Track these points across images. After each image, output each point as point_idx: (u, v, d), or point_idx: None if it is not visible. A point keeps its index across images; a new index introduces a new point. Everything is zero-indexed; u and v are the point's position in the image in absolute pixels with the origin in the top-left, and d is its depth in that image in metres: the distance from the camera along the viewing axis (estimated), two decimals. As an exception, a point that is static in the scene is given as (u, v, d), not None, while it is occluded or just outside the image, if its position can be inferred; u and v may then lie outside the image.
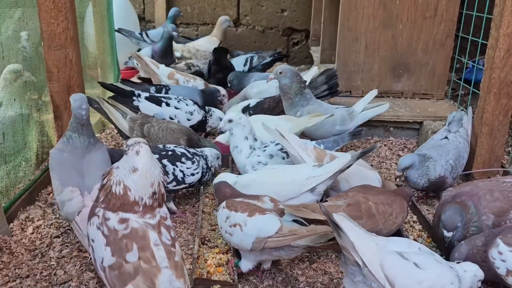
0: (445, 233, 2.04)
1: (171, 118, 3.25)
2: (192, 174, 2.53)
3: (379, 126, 3.54)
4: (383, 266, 1.56)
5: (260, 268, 2.05)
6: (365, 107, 3.21)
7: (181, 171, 2.48)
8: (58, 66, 2.79)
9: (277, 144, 2.54)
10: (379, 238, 1.71)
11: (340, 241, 1.61)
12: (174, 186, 2.50)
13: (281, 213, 1.94)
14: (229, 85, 4.18)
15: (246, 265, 1.99)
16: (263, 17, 6.41)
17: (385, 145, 3.49)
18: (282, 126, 2.77)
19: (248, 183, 2.27)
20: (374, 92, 3.30)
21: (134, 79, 4.27)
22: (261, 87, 3.69)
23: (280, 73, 3.09)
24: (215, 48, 4.49)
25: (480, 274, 1.76)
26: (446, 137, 2.75)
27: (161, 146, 2.59)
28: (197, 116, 3.37)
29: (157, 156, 2.43)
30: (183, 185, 2.53)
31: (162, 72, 4.02)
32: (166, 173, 2.43)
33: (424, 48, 3.68)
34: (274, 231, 1.83)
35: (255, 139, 2.57)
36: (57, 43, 2.75)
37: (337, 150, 2.74)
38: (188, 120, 3.32)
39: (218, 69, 4.37)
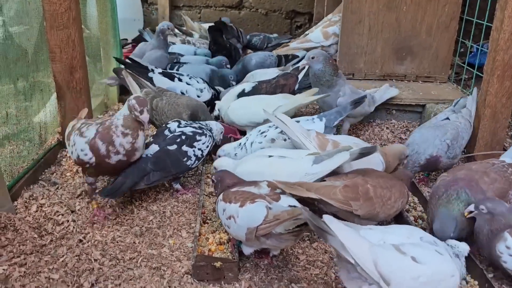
0: None
1: (182, 93, 3.31)
2: (207, 147, 2.57)
3: (381, 109, 3.53)
4: (377, 264, 1.53)
5: (270, 254, 2.06)
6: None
7: (199, 149, 2.51)
8: (61, 46, 2.78)
9: (276, 128, 2.54)
10: (375, 229, 1.70)
11: (328, 242, 1.58)
12: (196, 164, 2.53)
13: (276, 198, 1.90)
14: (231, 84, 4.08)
15: (247, 250, 1.99)
16: (266, 0, 6.36)
17: (387, 128, 3.49)
18: (278, 103, 2.79)
19: (247, 174, 2.21)
20: (395, 91, 3.46)
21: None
22: (263, 77, 3.64)
23: (313, 58, 3.04)
24: (209, 27, 4.46)
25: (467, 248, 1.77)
26: (447, 118, 2.76)
27: (167, 132, 2.54)
28: (207, 94, 3.44)
29: (175, 146, 2.45)
30: (202, 159, 2.58)
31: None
32: (189, 157, 2.47)
33: (428, 31, 3.65)
34: (261, 219, 1.79)
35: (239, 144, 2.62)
36: (60, 23, 2.73)
37: (340, 121, 2.73)
38: (198, 96, 3.39)
39: (218, 49, 4.35)
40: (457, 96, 3.31)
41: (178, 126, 2.57)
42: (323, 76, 3.02)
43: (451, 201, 2.02)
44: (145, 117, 2.15)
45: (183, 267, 2.03)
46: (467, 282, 1.94)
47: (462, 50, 4.66)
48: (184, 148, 2.44)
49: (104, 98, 3.86)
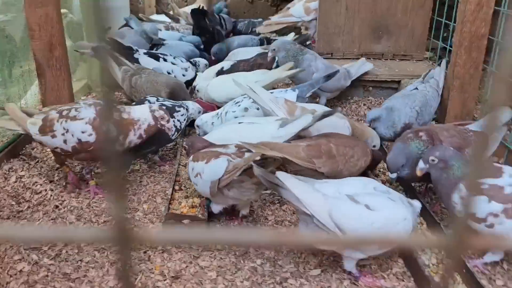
0: (390, 174, 2.10)
1: (169, 73, 3.38)
2: (185, 120, 2.64)
3: (358, 86, 3.60)
4: (331, 214, 1.60)
5: (240, 215, 2.14)
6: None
7: (178, 120, 2.57)
8: (40, 24, 2.85)
9: (250, 98, 2.61)
10: (331, 182, 1.77)
11: (283, 196, 1.65)
12: (175, 136, 2.59)
13: (240, 156, 1.97)
14: (213, 58, 4.14)
15: (216, 207, 2.07)
16: (252, -13, 6.43)
17: (364, 104, 3.56)
18: (256, 79, 2.87)
19: (217, 140, 2.25)
20: (369, 65, 3.52)
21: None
22: (245, 56, 3.71)
23: (274, 50, 3.16)
24: (192, 10, 4.51)
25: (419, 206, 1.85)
26: (416, 88, 2.83)
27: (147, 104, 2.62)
28: (191, 73, 3.52)
29: None
30: (180, 132, 2.64)
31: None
32: (169, 129, 2.51)
33: (403, 10, 3.73)
34: (223, 171, 1.89)
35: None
36: (38, 1, 2.80)
37: (312, 94, 2.81)
38: (183, 76, 3.46)
39: (201, 33, 4.41)
40: (432, 72, 3.39)
41: (157, 100, 2.65)
42: (289, 59, 3.14)
43: (409, 139, 2.11)
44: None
45: (154, 228, 2.10)
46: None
47: (445, 34, 4.72)
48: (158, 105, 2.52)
49: (87, 81, 3.92)
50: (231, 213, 2.18)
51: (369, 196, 1.68)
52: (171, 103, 2.60)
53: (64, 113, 2.21)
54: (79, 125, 2.17)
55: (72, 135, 2.17)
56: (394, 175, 2.10)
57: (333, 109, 2.22)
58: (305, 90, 2.72)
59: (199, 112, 2.81)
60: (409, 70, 3.59)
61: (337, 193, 1.69)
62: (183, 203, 2.26)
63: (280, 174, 1.63)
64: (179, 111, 2.54)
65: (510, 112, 2.36)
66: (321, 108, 2.47)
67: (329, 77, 2.79)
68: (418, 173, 1.92)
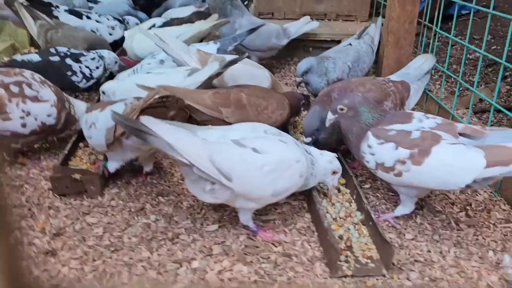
0: (304, 139, 1.95)
1: (93, 31, 3.16)
2: (97, 67, 2.47)
3: (299, 47, 3.45)
4: (213, 160, 1.42)
5: (143, 171, 1.98)
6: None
7: (86, 66, 2.41)
8: None
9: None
10: (218, 128, 1.61)
11: (153, 144, 1.44)
12: (85, 84, 2.45)
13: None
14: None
15: (112, 165, 1.88)
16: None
17: (304, 65, 3.41)
18: (179, 32, 2.69)
19: (124, 92, 2.08)
20: (315, 24, 3.33)
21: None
22: (180, 14, 3.52)
23: (203, 1, 2.98)
24: None
25: (336, 165, 1.72)
26: (350, 44, 2.70)
27: (53, 50, 2.46)
28: (119, 32, 3.30)
29: (57, 58, 2.39)
30: (92, 81, 2.47)
31: None
32: (74, 72, 2.39)
33: (347, -33, 3.57)
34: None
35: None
36: None
37: (235, 47, 2.64)
38: (110, 34, 3.24)
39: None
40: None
41: (68, 50, 2.47)
42: (217, 6, 2.98)
43: (324, 102, 1.96)
44: None
45: (48, 185, 1.92)
46: (339, 191, 1.90)
47: None
48: (68, 61, 2.35)
49: (14, 43, 3.67)
50: (135, 170, 2.02)
51: (257, 140, 1.53)
52: (79, 51, 2.42)
53: (16, 90, 1.93)
54: (43, 108, 1.96)
55: (36, 118, 1.95)
56: (308, 139, 1.95)
57: (240, 56, 2.05)
58: (227, 44, 2.55)
59: (116, 63, 2.63)
60: (350, 30, 3.44)
61: (221, 139, 1.53)
62: (85, 160, 2.08)
63: (146, 119, 1.43)
64: (87, 55, 2.36)
65: (432, 59, 2.24)
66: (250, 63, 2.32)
67: (252, 30, 2.62)
68: (327, 123, 1.78)
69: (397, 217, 1.75)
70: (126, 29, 3.32)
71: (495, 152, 1.47)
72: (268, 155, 1.49)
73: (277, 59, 3.41)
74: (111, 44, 3.16)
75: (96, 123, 1.79)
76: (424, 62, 2.27)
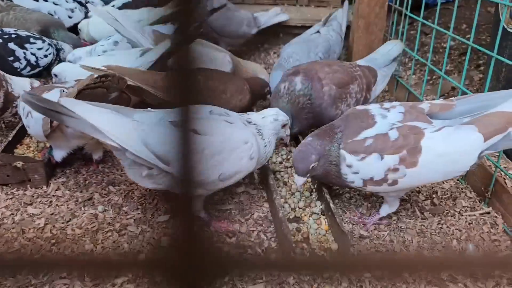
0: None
1: (51, 14, 2.99)
2: (45, 56, 2.31)
3: (269, 33, 3.34)
4: (147, 143, 1.31)
5: (93, 160, 1.86)
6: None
7: (32, 54, 2.26)
8: None
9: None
10: (158, 111, 1.47)
11: (75, 128, 1.32)
12: (29, 71, 2.30)
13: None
14: None
15: (58, 153, 1.75)
16: None
17: (274, 52, 3.31)
18: (142, 16, 2.56)
19: (77, 76, 1.96)
20: (284, 16, 3.25)
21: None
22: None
23: None
24: None
25: (282, 117, 1.61)
26: (318, 31, 2.60)
27: None
28: (79, 14, 3.15)
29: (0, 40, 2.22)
30: (38, 69, 2.33)
31: None
32: (17, 58, 2.23)
33: (319, -49, 3.47)
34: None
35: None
36: None
37: (196, 28, 2.52)
38: (70, 17, 3.09)
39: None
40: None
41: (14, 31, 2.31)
42: None
43: (283, 94, 1.85)
44: None
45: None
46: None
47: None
48: (11, 45, 2.19)
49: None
50: (86, 159, 1.90)
51: (198, 121, 1.41)
52: (29, 34, 2.26)
53: None
54: None
55: None
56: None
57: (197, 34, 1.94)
58: (188, 25, 2.42)
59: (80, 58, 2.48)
60: (322, 15, 3.31)
61: (161, 121, 1.41)
62: (32, 147, 1.95)
63: (66, 100, 1.29)
64: (35, 43, 2.21)
65: (400, 45, 2.15)
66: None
67: (214, 10, 2.50)
68: (299, 188, 1.70)
69: (381, 218, 1.62)
70: (87, 11, 3.17)
71: (486, 122, 1.35)
72: (210, 137, 1.39)
73: (247, 46, 3.30)
74: (71, 28, 3.02)
75: (32, 112, 1.64)
76: (392, 47, 2.17)
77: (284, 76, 1.93)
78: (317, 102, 1.88)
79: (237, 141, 1.43)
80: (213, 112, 1.48)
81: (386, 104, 1.50)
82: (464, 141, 1.35)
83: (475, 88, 2.94)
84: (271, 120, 1.58)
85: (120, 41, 2.27)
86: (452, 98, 1.49)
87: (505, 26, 1.83)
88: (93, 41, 2.78)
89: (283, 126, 1.63)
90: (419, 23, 2.27)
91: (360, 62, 2.13)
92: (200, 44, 2.11)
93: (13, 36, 2.24)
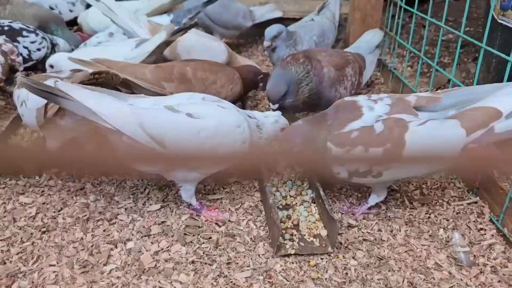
0: (271, 106, 1.83)
1: (52, 8, 2.99)
2: (38, 49, 2.29)
3: (263, 26, 3.33)
4: (143, 126, 1.33)
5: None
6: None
7: (25, 47, 2.24)
8: None
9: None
10: (152, 98, 1.51)
11: (73, 110, 1.32)
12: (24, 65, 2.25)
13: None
14: None
15: (52, 143, 1.77)
16: None
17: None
18: (138, 6, 2.58)
19: (70, 66, 1.99)
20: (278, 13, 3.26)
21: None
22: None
23: None
24: None
25: (282, 122, 1.65)
26: (312, 19, 2.62)
27: None
28: (81, 8, 3.15)
29: None
30: (31, 62, 2.29)
31: None
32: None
33: None
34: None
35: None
36: None
37: (191, 19, 2.51)
38: (71, 11, 3.09)
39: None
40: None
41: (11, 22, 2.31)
42: None
43: (288, 65, 1.85)
44: None
45: (-17, 164, 1.81)
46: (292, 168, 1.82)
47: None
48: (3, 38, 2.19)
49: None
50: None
51: (192, 105, 1.44)
52: (23, 27, 2.26)
53: None
54: None
55: None
56: (275, 106, 1.83)
57: (191, 24, 1.95)
58: (181, 16, 2.44)
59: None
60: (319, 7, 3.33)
61: (154, 106, 1.43)
62: (26, 138, 1.97)
63: (63, 84, 1.30)
64: (28, 36, 2.21)
65: (380, 33, 2.20)
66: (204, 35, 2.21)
67: (208, 2, 2.50)
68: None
69: (369, 208, 1.62)
70: (88, 5, 3.17)
71: (469, 117, 1.35)
72: (205, 120, 1.41)
73: (244, 38, 3.30)
74: (72, 21, 3.02)
75: (26, 102, 1.65)
76: (373, 36, 2.34)
77: (285, 58, 1.93)
78: (317, 80, 1.87)
79: (229, 124, 1.45)
80: (206, 99, 1.50)
81: (374, 96, 1.50)
82: (446, 135, 1.35)
83: (471, 81, 2.93)
84: (272, 121, 1.62)
85: (115, 33, 2.28)
86: (439, 91, 1.49)
87: (495, 16, 1.83)
88: (92, 33, 2.80)
89: (283, 130, 1.65)
90: (413, 15, 2.26)
91: (350, 48, 2.18)
92: (195, 34, 2.12)
93: (6, 28, 2.22)
